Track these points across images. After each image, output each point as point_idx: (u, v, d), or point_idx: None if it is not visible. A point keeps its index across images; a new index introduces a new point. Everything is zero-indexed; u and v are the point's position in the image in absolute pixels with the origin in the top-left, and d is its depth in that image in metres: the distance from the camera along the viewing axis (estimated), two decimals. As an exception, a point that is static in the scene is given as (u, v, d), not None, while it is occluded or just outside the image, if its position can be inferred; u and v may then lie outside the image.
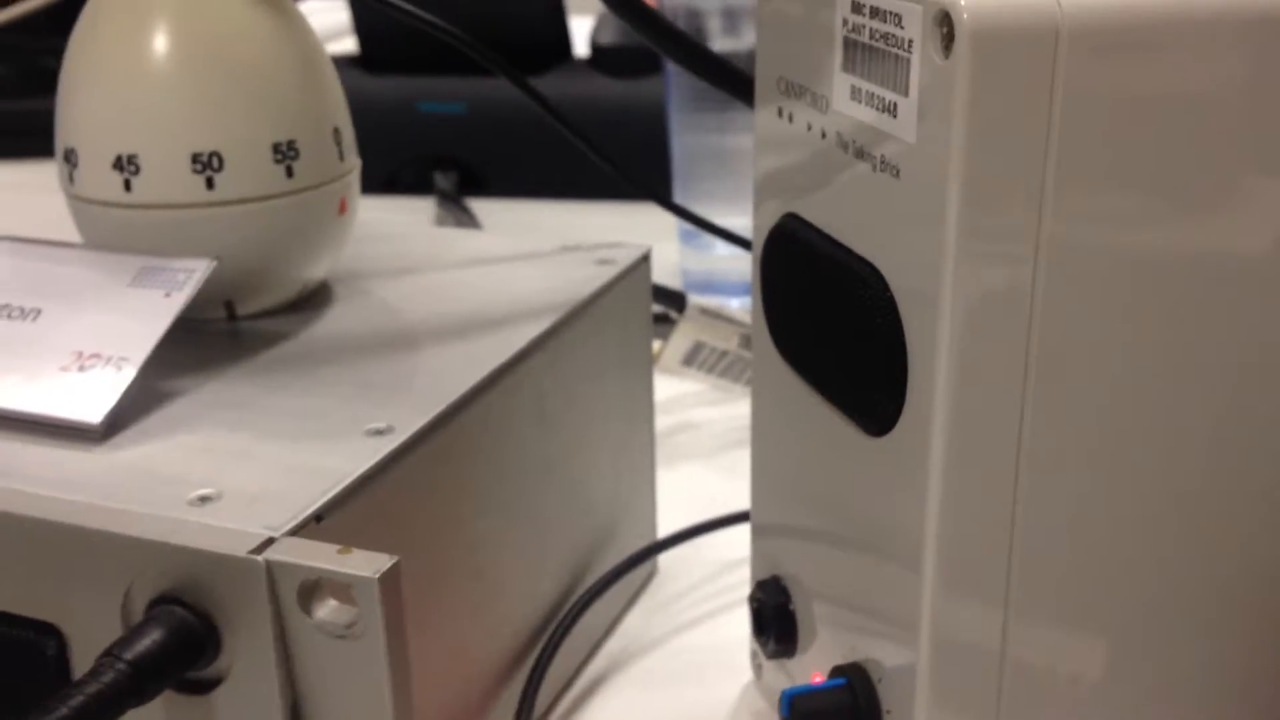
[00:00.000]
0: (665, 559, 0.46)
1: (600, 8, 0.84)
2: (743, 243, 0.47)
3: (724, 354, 0.54)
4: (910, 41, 0.26)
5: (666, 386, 0.56)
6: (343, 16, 0.87)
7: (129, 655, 0.25)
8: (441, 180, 0.81)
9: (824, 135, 0.30)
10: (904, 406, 0.28)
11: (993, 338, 0.26)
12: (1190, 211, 0.26)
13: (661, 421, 0.53)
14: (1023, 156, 0.25)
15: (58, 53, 0.98)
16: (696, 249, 0.67)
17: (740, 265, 0.66)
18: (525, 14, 0.81)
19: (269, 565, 0.25)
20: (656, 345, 0.55)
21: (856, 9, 0.27)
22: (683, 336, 0.53)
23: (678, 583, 0.45)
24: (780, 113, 0.32)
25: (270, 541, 0.26)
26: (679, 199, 0.69)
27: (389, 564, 0.25)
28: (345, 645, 0.25)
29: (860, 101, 0.28)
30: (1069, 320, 0.26)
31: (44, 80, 0.93)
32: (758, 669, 0.39)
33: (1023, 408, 0.27)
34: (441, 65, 0.81)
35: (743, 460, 0.51)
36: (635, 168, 0.49)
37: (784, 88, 0.31)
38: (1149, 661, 0.30)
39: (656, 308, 0.48)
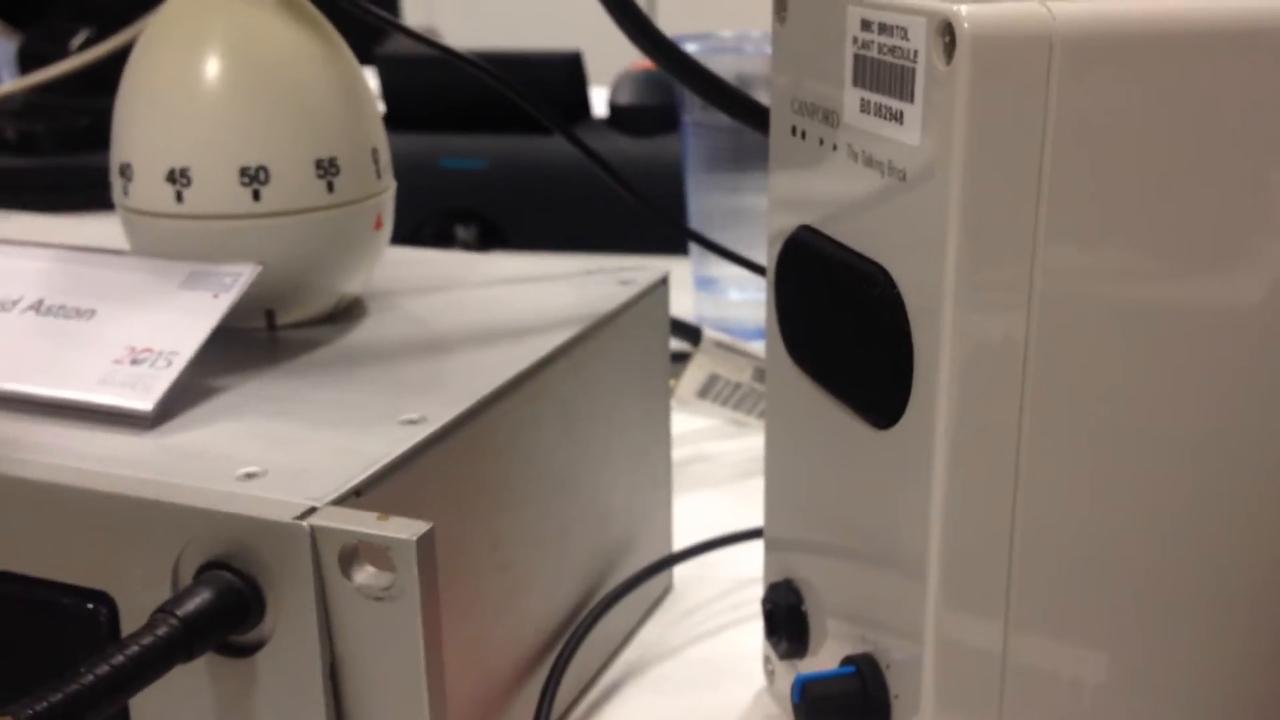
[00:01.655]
0: (680, 577, 0.47)
1: (616, 72, 0.88)
2: (755, 267, 0.49)
3: (738, 386, 0.56)
4: (915, 52, 0.28)
5: (682, 420, 0.58)
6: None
7: (180, 612, 0.26)
8: (463, 233, 0.83)
9: (835, 148, 0.32)
10: (910, 397, 0.30)
11: (995, 327, 0.28)
12: (1178, 205, 0.28)
13: (677, 452, 0.55)
14: (1019, 151, 0.27)
15: (90, 112, 1.01)
16: (711, 294, 0.69)
17: (753, 311, 0.68)
18: (547, 75, 0.84)
19: (312, 530, 0.27)
20: (671, 383, 0.56)
21: (865, 27, 0.30)
22: (698, 369, 0.55)
23: (692, 598, 0.46)
24: (794, 131, 0.34)
25: (313, 510, 0.27)
26: (695, 256, 0.71)
27: (425, 529, 0.27)
28: (383, 607, 0.27)
29: (869, 113, 0.30)
30: (1067, 319, 0.28)
31: (76, 139, 0.97)
32: (770, 675, 0.40)
33: (1023, 397, 0.29)
34: (463, 123, 0.84)
35: (756, 489, 0.52)
36: (655, 222, 0.51)
37: (797, 108, 0.34)
38: (1148, 665, 0.32)
39: (673, 343, 0.50)
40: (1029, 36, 0.26)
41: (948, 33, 0.26)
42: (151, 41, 0.37)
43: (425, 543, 0.27)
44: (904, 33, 0.28)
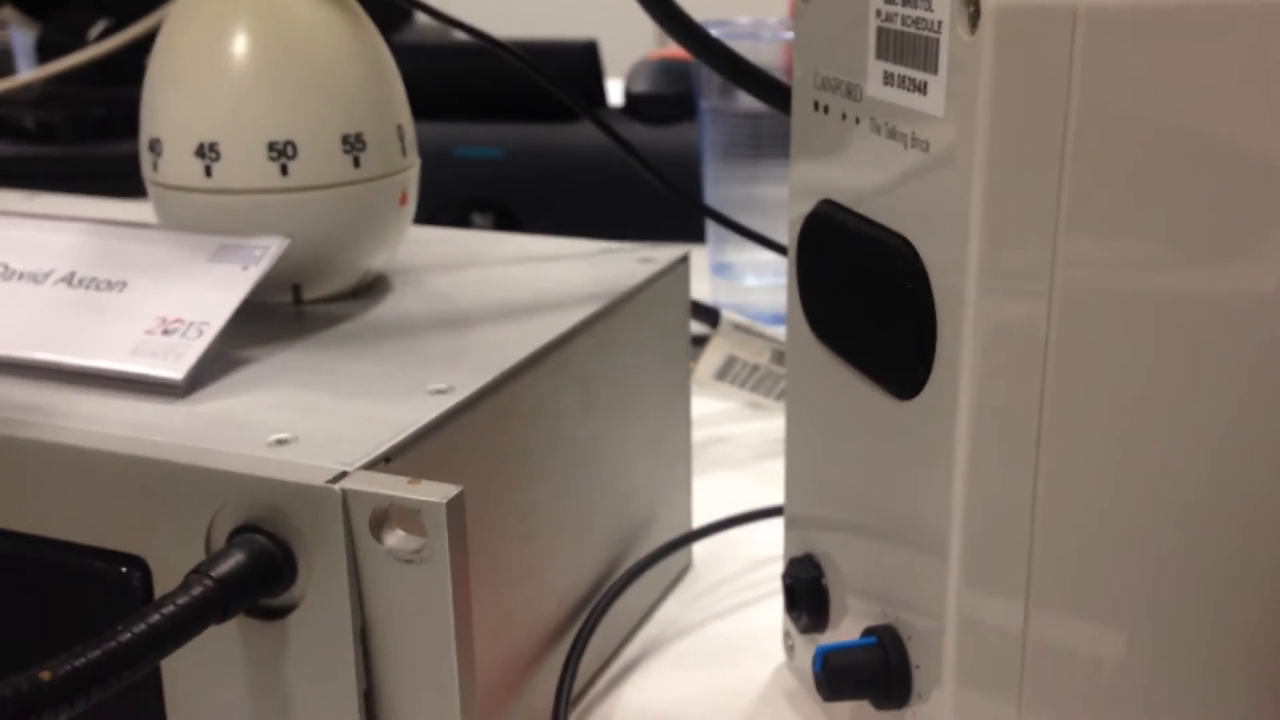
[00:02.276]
0: (699, 555, 0.47)
1: (629, 63, 0.88)
2: (774, 246, 0.49)
3: (756, 368, 0.56)
4: (939, 23, 0.28)
5: (700, 402, 0.58)
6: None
7: (215, 573, 0.27)
8: (479, 221, 0.84)
9: (858, 122, 0.32)
10: (932, 368, 0.30)
11: (1017, 308, 0.28)
12: (1201, 184, 0.29)
13: (695, 434, 0.55)
14: (1043, 121, 0.27)
15: (107, 101, 1.01)
16: (728, 280, 0.70)
17: (770, 296, 0.69)
18: (562, 63, 0.84)
19: (344, 494, 0.27)
20: (690, 365, 0.57)
21: (889, -1, 0.30)
22: (716, 351, 0.55)
23: (711, 576, 0.46)
24: (816, 106, 0.34)
25: (344, 474, 0.28)
26: (712, 242, 0.71)
27: (455, 492, 0.27)
28: (413, 570, 0.27)
29: (893, 85, 0.30)
30: (1089, 302, 0.28)
31: (94, 128, 0.97)
32: (789, 650, 0.40)
33: (1044, 377, 0.29)
34: (479, 112, 0.85)
35: (774, 470, 0.53)
36: (669, 210, 0.51)
37: (819, 82, 0.34)
38: (1166, 643, 0.32)
39: (692, 325, 0.50)
40: (1053, 6, 0.27)
41: (972, 2, 0.27)
42: (181, 18, 0.37)
43: (455, 506, 0.27)
44: (928, 4, 0.28)
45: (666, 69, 0.84)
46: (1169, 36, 0.27)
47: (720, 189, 0.70)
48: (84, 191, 0.72)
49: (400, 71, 0.40)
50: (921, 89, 0.29)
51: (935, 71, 0.28)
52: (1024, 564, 0.30)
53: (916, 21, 0.29)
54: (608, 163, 0.46)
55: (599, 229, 0.82)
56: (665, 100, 0.84)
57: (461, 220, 0.84)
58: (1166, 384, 0.30)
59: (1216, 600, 0.32)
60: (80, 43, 0.93)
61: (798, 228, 0.36)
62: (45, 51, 0.98)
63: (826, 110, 0.34)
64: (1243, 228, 0.29)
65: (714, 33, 0.67)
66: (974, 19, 0.27)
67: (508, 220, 0.85)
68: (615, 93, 0.89)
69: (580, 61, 0.85)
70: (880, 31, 0.30)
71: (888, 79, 0.30)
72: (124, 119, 0.92)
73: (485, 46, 0.44)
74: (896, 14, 0.30)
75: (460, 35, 0.44)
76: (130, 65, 0.98)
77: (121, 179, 0.81)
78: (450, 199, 0.84)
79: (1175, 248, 0.29)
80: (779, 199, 0.62)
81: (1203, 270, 0.29)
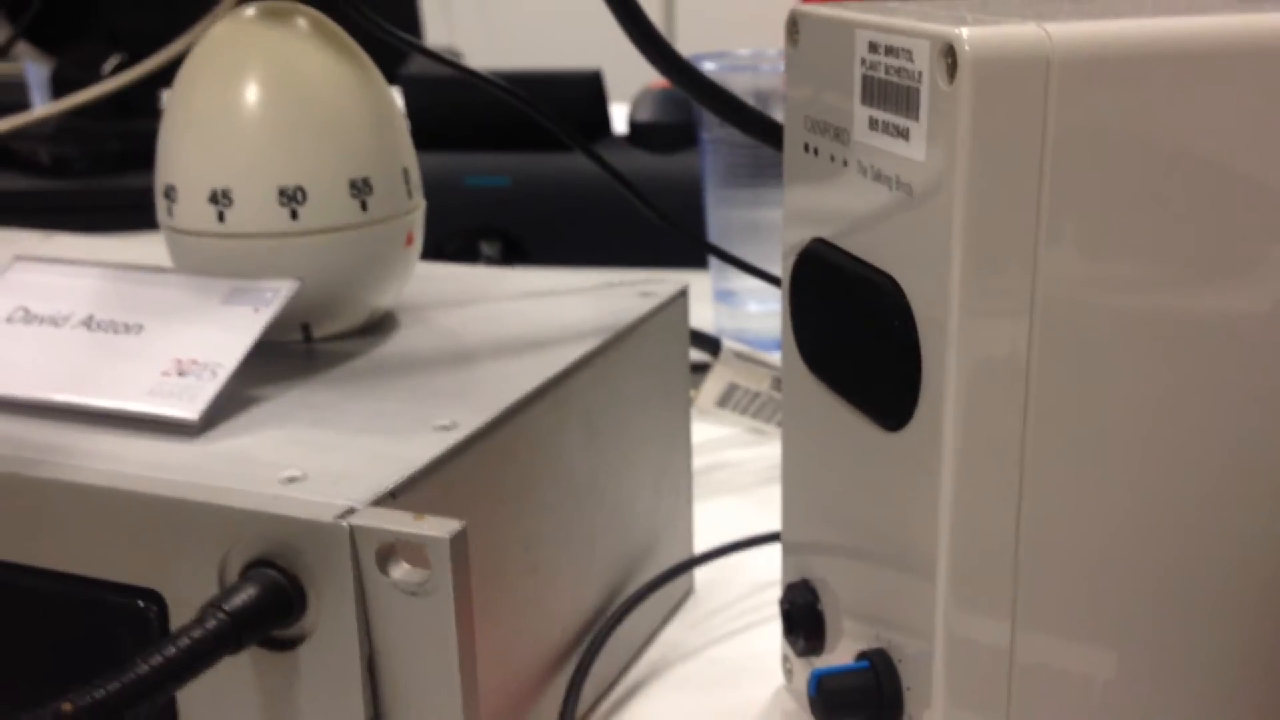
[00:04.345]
0: (701, 580, 0.48)
1: (636, 89, 0.89)
2: (768, 277, 0.50)
3: (756, 395, 0.57)
4: (920, 73, 0.29)
5: (702, 429, 0.60)
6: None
7: (228, 607, 0.28)
8: (487, 249, 0.85)
9: (845, 164, 0.33)
10: (918, 400, 0.31)
11: (999, 334, 0.29)
12: (1174, 210, 0.30)
13: (697, 461, 0.56)
14: (1019, 165, 0.28)
15: (121, 135, 1.02)
16: (731, 307, 0.71)
17: (772, 323, 0.70)
18: (568, 93, 0.86)
19: (352, 529, 0.28)
20: (691, 393, 0.58)
21: (873, 49, 0.31)
22: (717, 379, 0.56)
23: (713, 600, 0.47)
24: (807, 148, 0.35)
25: (352, 510, 0.29)
26: (715, 269, 0.72)
27: (458, 527, 0.28)
28: (418, 601, 0.28)
29: (878, 130, 0.31)
30: (1069, 327, 0.29)
31: (108, 162, 0.99)
32: (788, 673, 0.41)
33: (1027, 401, 0.30)
34: (486, 142, 0.86)
35: (775, 496, 0.54)
36: (675, 237, 0.52)
37: (809, 125, 0.35)
38: (1153, 663, 0.33)
39: (694, 354, 0.51)
40: (1027, 57, 0.28)
41: (950, 54, 0.28)
42: (194, 70, 0.39)
43: (459, 540, 0.28)
44: (909, 54, 0.29)
45: (669, 98, 0.86)
46: (1137, 81, 0.28)
47: (722, 216, 0.72)
48: (98, 225, 0.73)
49: (408, 103, 0.41)
50: (904, 134, 0.30)
51: (917, 118, 0.29)
52: (1010, 587, 0.31)
53: (899, 71, 0.30)
54: (613, 191, 0.47)
55: (605, 256, 0.84)
56: (669, 129, 0.85)
57: (469, 249, 0.86)
58: (1148, 409, 0.31)
59: (1203, 620, 0.33)
60: (95, 77, 0.95)
61: (790, 264, 0.37)
62: (60, 86, 1.00)
63: (816, 153, 0.35)
64: (1219, 251, 0.30)
65: (713, 65, 0.68)
66: (951, 69, 0.28)
67: (515, 249, 0.86)
68: (622, 120, 0.90)
69: (584, 92, 0.86)
70: (865, 79, 0.32)
71: (873, 124, 0.31)
72: (138, 153, 0.94)
73: (489, 78, 0.45)
74: (880, 63, 0.31)
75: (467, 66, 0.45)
76: (144, 100, 1.00)
77: (136, 212, 0.83)
78: (458, 228, 0.86)
79: (1151, 275, 0.30)
80: (779, 225, 0.63)
81: (1181, 295, 0.30)
